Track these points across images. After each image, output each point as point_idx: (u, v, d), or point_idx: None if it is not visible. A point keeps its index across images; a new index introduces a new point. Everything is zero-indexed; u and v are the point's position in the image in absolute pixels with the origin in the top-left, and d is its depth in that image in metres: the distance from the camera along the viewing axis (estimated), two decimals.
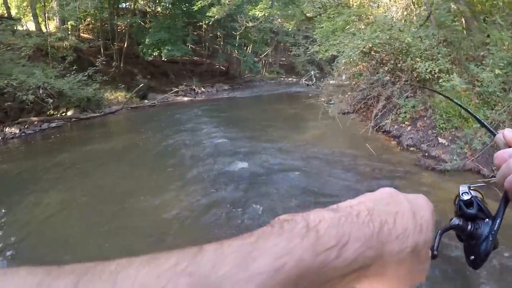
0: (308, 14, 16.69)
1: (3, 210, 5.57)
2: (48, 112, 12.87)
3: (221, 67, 27.52)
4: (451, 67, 7.59)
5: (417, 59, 8.05)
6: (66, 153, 8.84)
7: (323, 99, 12.09)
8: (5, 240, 4.65)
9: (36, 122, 12.11)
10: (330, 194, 5.60)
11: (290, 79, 30.54)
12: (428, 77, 7.65)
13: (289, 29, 23.07)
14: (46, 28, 16.88)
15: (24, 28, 16.60)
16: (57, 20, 18.36)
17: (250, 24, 21.07)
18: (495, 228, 0.50)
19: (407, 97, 8.52)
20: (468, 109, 0.83)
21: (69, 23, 18.31)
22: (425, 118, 7.92)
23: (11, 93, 11.48)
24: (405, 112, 8.22)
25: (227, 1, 16.85)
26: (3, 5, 17.43)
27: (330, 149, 8.03)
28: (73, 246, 4.44)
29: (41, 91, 12.26)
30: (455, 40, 8.28)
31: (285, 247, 0.31)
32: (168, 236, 4.61)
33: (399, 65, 8.65)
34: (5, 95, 11.43)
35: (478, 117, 0.72)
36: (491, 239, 0.50)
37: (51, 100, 12.60)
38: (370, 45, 8.74)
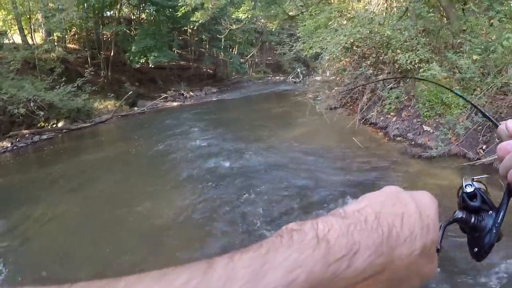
0: (290, 13, 16.87)
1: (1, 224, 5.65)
2: (38, 124, 12.92)
3: (208, 70, 27.61)
4: (431, 56, 7.79)
5: (398, 51, 8.24)
6: (60, 165, 8.90)
7: (310, 96, 12.25)
8: (3, 252, 4.71)
9: (27, 135, 12.18)
10: (319, 189, 5.72)
11: (277, 77, 30.68)
12: (409, 68, 7.86)
13: (273, 29, 23.23)
14: (32, 40, 16.88)
15: (11, 41, 16.56)
16: (43, 32, 18.34)
17: (234, 26, 21.21)
18: (498, 220, 0.50)
19: (390, 88, 8.72)
20: (470, 100, 0.84)
21: (55, 34, 18.29)
22: (409, 108, 8.12)
23: (1, 107, 11.53)
24: (389, 104, 8.40)
25: (210, 5, 16.96)
26: None
27: (318, 144, 8.16)
28: (71, 255, 4.51)
29: (32, 104, 12.31)
30: (434, 29, 8.49)
31: (297, 259, 0.31)
32: (165, 238, 4.72)
33: (380, 58, 8.86)
34: None
35: (479, 107, 0.72)
36: (494, 231, 0.49)
37: (42, 113, 12.66)
38: (352, 40, 8.93)
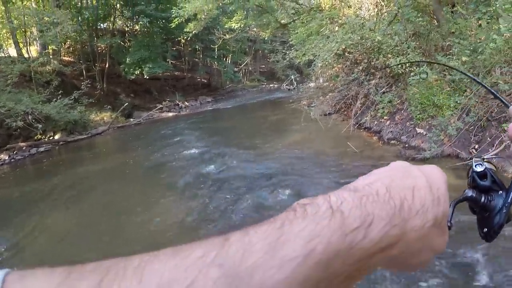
0: (282, 21, 17.10)
1: (2, 235, 5.69)
2: (35, 137, 12.96)
3: (202, 79, 27.75)
4: (422, 59, 7.95)
5: (389, 55, 8.41)
6: (58, 176, 8.92)
7: (304, 103, 12.37)
8: (6, 262, 4.75)
9: (24, 148, 12.22)
10: (316, 192, 5.79)
11: (271, 85, 30.82)
12: (401, 72, 8.00)
13: (266, 37, 23.46)
14: (28, 53, 16.95)
15: (6, 54, 16.64)
16: (38, 45, 18.42)
17: (228, 36, 21.43)
18: (509, 201, 0.49)
19: (383, 92, 8.86)
20: (481, 82, 0.84)
21: (50, 47, 18.36)
22: (402, 111, 8.24)
23: None
24: (383, 108, 8.53)
25: (203, 16, 17.15)
26: None
27: (313, 150, 8.24)
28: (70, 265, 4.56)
29: (30, 117, 12.38)
30: (424, 32, 8.67)
31: (313, 230, 0.31)
32: (163, 246, 4.76)
33: (372, 63, 9.01)
34: None
35: (490, 88, 0.74)
36: (504, 211, 0.49)
37: (40, 125, 12.72)
38: (344, 47, 9.08)
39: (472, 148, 6.06)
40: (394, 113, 8.45)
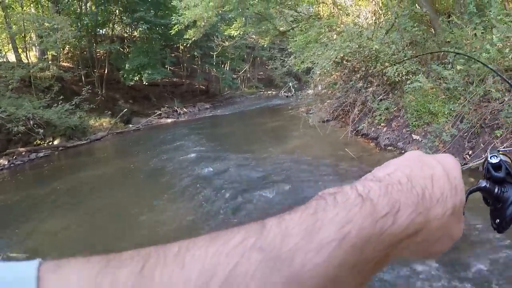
0: (281, 29, 17.27)
1: (3, 239, 5.74)
2: (34, 142, 13.02)
3: (201, 86, 27.86)
4: (418, 68, 8.13)
5: (386, 63, 8.58)
6: (58, 181, 8.97)
7: (303, 110, 12.51)
8: None
9: (24, 153, 12.29)
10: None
11: (269, 92, 30.94)
12: (397, 80, 8.18)
13: (265, 45, 23.59)
14: (27, 59, 17.01)
15: (4, 59, 16.69)
16: (37, 50, 18.46)
17: (227, 43, 21.59)
18: None
19: (380, 100, 9.02)
20: (496, 70, 0.85)
21: (49, 53, 18.42)
22: (398, 118, 8.41)
23: None
24: (380, 115, 8.69)
25: (202, 23, 17.30)
26: None
27: (312, 156, 8.33)
28: None
29: (31, 122, 12.47)
30: (421, 41, 8.85)
31: (345, 216, 0.31)
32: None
33: (370, 71, 9.18)
34: None
35: (502, 75, 0.80)
36: None
37: (42, 130, 12.81)
38: (342, 55, 9.25)
39: (466, 154, 6.20)
40: (391, 120, 8.61)
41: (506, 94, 5.70)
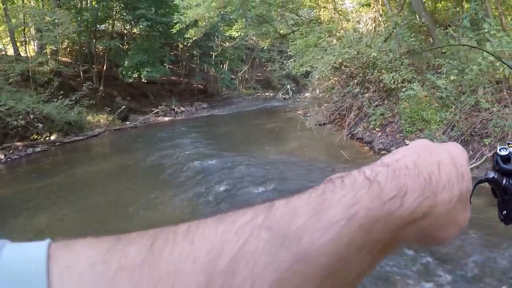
0: (282, 32, 17.42)
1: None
2: (31, 137, 13.01)
3: (199, 85, 27.83)
4: (414, 76, 8.35)
5: (383, 71, 8.80)
6: (56, 177, 8.99)
7: (300, 112, 12.68)
8: None
9: (20, 147, 12.27)
10: None
11: (267, 94, 31.01)
12: (393, 87, 8.39)
13: (265, 47, 23.65)
14: (26, 53, 16.95)
15: (3, 53, 16.64)
16: (35, 44, 18.34)
17: (227, 44, 21.66)
18: None
19: (376, 106, 9.23)
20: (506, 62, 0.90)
21: (48, 47, 18.34)
22: (393, 124, 8.62)
23: None
24: (375, 120, 8.89)
25: (203, 23, 17.38)
26: None
27: (308, 158, 8.49)
28: None
29: (31, 116, 12.49)
30: (418, 50, 9.07)
31: (353, 197, 0.32)
32: None
33: (367, 77, 9.39)
34: None
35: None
36: None
37: (41, 125, 12.80)
38: (341, 61, 9.45)
39: None
40: (385, 125, 8.81)
41: (495, 105, 5.93)
